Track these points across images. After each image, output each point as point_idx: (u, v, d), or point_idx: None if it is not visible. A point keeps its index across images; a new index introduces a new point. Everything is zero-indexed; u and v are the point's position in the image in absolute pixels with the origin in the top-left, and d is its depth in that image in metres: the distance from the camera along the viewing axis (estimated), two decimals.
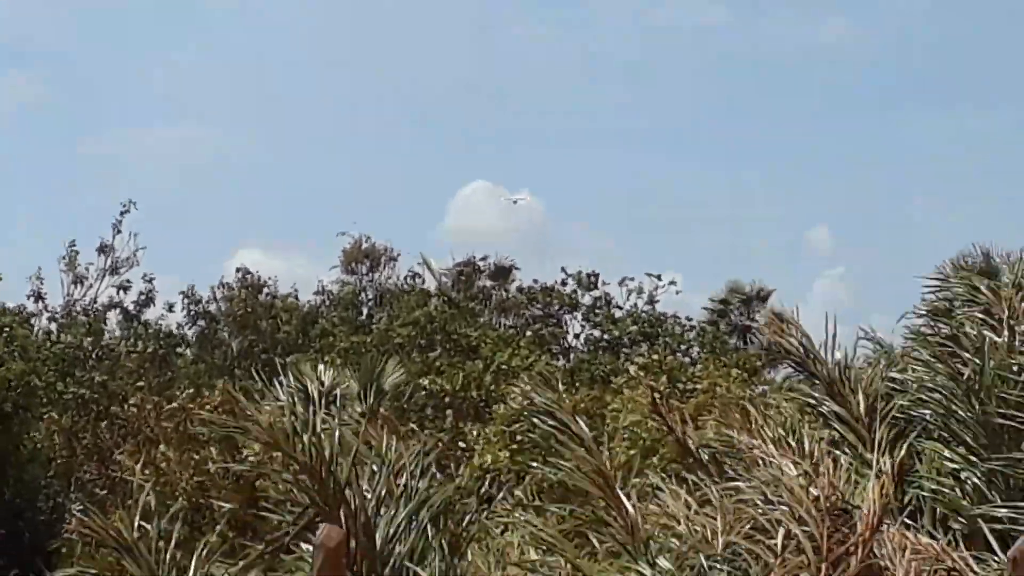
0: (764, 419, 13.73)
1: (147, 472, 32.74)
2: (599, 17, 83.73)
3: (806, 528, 10.83)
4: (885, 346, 15.34)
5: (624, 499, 12.34)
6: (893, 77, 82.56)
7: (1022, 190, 70.69)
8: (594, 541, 12.27)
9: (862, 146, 79.65)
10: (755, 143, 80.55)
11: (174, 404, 35.29)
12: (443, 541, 12.77)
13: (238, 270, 56.90)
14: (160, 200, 78.14)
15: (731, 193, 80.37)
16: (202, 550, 12.39)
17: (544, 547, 12.48)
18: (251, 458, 22.48)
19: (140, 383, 44.91)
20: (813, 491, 11.35)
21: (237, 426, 12.98)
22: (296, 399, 13.50)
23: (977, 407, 13.04)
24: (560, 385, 14.62)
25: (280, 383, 13.91)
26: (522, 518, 13.24)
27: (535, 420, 13.98)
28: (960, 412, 13.19)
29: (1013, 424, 12.88)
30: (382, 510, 12.45)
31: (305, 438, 12.31)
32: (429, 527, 12.67)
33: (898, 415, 13.63)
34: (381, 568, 12.08)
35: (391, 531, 12.35)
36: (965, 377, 13.29)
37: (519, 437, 28.28)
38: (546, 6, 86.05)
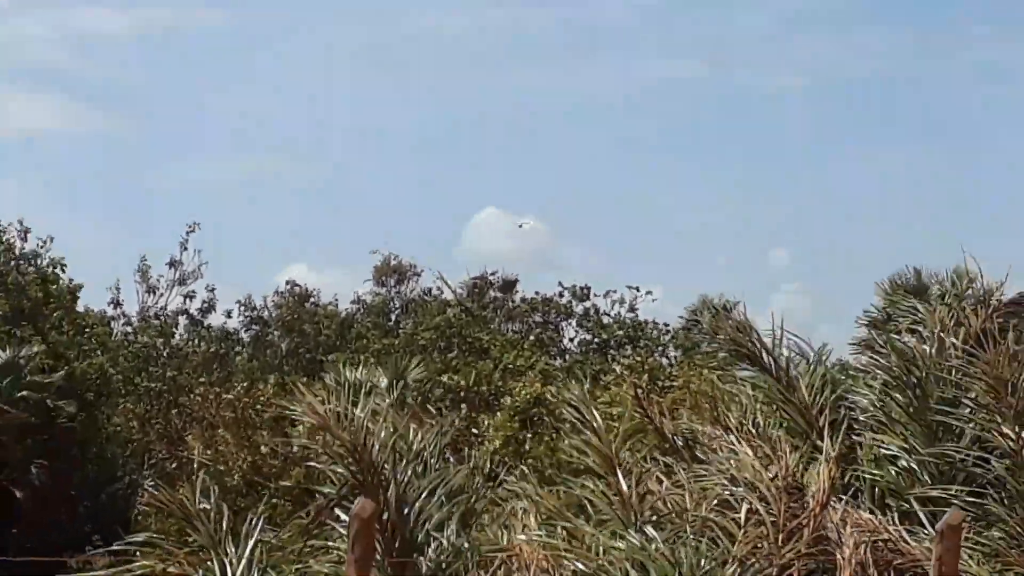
0: (728, 410, 13.75)
1: (209, 453, 32.73)
2: (590, 68, 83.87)
3: (766, 504, 10.83)
4: (827, 351, 15.32)
5: (620, 477, 12.36)
6: (837, 120, 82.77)
7: (948, 216, 70.86)
8: (590, 511, 12.29)
9: (816, 179, 79.86)
10: (724, 175, 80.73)
11: (231, 395, 35.29)
12: (459, 512, 12.77)
13: (288, 282, 57.26)
14: (221, 221, 78.22)
15: (702, 218, 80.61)
16: (255, 519, 12.38)
17: (548, 517, 12.49)
18: (297, 441, 22.52)
19: (203, 377, 44.97)
20: (770, 472, 11.36)
21: (294, 411, 13.02)
22: (338, 391, 13.49)
23: (913, 402, 13.06)
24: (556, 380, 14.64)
25: (324, 378, 13.93)
26: (528, 492, 13.24)
27: (556, 400, 14.06)
28: (897, 406, 13.21)
29: (942, 418, 12.89)
30: (410, 486, 12.47)
31: (351, 424, 12.33)
32: (447, 501, 12.67)
33: (840, 407, 13.65)
34: (409, 535, 12.09)
35: (418, 504, 12.36)
36: (901, 377, 13.31)
37: (531, 419, 28.30)
38: (544, 58, 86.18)
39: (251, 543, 12.00)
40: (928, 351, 13.49)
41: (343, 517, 12.18)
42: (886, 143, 79.49)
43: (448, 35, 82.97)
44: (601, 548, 11.40)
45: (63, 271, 46.30)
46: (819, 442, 12.29)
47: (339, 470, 12.74)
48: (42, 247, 47.36)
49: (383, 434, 12.70)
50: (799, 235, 77.99)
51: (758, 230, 78.96)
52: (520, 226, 64.82)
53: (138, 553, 13.01)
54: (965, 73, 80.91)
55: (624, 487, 12.25)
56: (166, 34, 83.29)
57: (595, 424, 13.33)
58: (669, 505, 11.95)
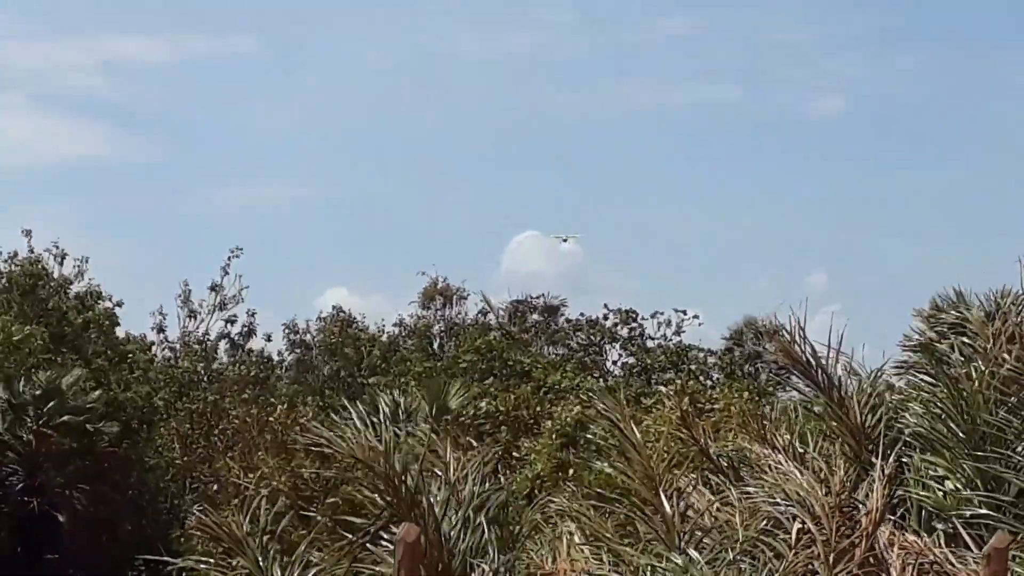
0: (775, 430, 13.69)
1: (250, 476, 32.79)
2: (628, 92, 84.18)
3: (819, 522, 10.79)
4: (878, 370, 15.16)
5: (663, 497, 12.33)
6: (877, 142, 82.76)
7: (988, 234, 70.80)
8: (640, 532, 12.26)
9: (853, 200, 79.84)
10: (761, 199, 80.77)
11: (272, 419, 35.36)
12: (501, 537, 12.74)
13: (333, 307, 57.50)
14: (261, 244, 78.72)
15: (743, 242, 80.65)
16: (302, 544, 12.42)
17: (592, 539, 12.46)
18: (337, 468, 22.54)
19: (245, 395, 45.21)
20: (823, 490, 11.31)
21: (331, 441, 12.97)
22: (375, 418, 13.44)
23: (962, 421, 12.97)
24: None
25: (361, 405, 13.86)
26: (576, 512, 13.20)
27: (596, 421, 13.98)
28: (946, 427, 13.12)
29: (993, 437, 12.82)
30: (448, 512, 12.44)
31: (387, 454, 12.31)
32: (488, 526, 12.64)
33: (888, 427, 13.56)
34: (449, 561, 12.07)
35: (456, 530, 12.34)
36: (950, 395, 13.22)
37: (573, 441, 28.27)
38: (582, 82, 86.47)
39: (299, 568, 12.04)
40: (979, 367, 13.38)
41: (385, 543, 12.18)
42: (925, 164, 79.40)
43: (486, 59, 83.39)
44: (648, 570, 11.37)
45: (100, 298, 46.74)
46: (873, 459, 12.22)
47: (379, 499, 12.73)
48: (78, 270, 47.82)
49: (422, 461, 12.68)
50: (837, 257, 77.95)
51: (798, 252, 78.98)
52: (564, 240, 64.72)
53: None
54: (1003, 93, 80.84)
55: (667, 508, 12.23)
56: (202, 61, 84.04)
57: (635, 441, 13.28)
58: (716, 526, 11.92)
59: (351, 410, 13.34)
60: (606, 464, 13.88)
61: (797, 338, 14.01)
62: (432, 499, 12.39)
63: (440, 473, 13.02)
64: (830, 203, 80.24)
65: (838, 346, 14.16)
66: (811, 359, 14.00)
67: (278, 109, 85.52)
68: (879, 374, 14.53)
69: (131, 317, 52.91)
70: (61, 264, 48.66)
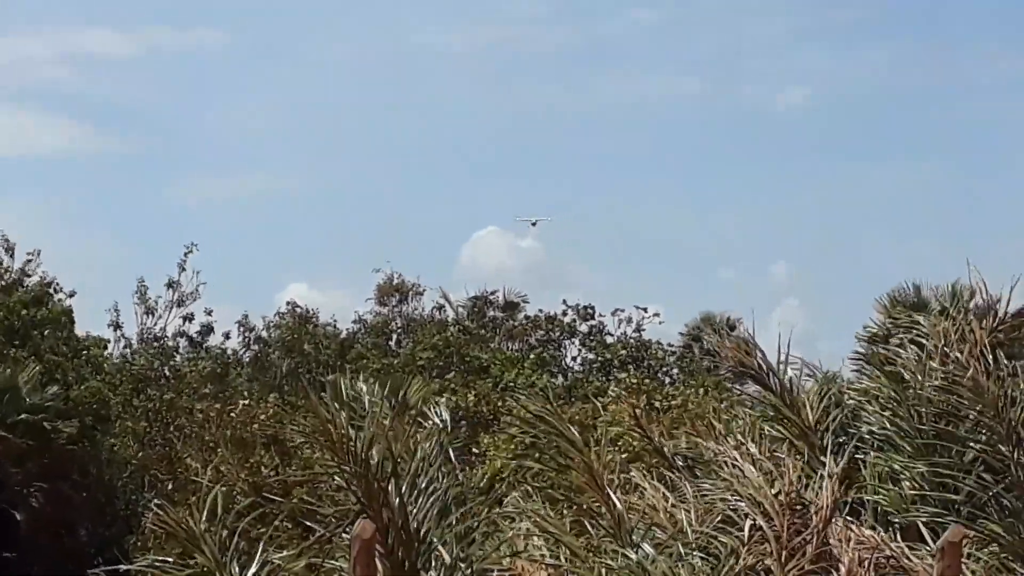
0: (728, 428, 13.82)
1: (209, 473, 32.74)
2: (592, 85, 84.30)
3: (770, 520, 10.92)
4: (829, 371, 15.28)
5: (612, 494, 12.42)
6: (843, 134, 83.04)
7: (953, 229, 71.26)
8: (591, 531, 12.35)
9: (817, 194, 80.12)
10: (725, 192, 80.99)
11: (232, 414, 35.32)
12: (462, 531, 12.81)
13: (288, 303, 57.32)
14: (221, 239, 78.55)
15: (704, 235, 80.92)
16: (260, 541, 12.44)
17: (546, 536, 12.55)
18: (299, 461, 22.61)
19: (205, 390, 45.05)
20: (774, 488, 11.44)
21: (302, 430, 13.01)
22: (342, 411, 13.46)
23: (914, 420, 13.12)
24: (557, 399, 14.64)
25: (327, 398, 13.90)
26: (530, 510, 13.29)
27: (534, 426, 14.06)
28: (900, 424, 13.27)
29: (943, 436, 12.97)
30: (412, 507, 12.50)
31: (358, 444, 12.35)
32: (451, 513, 12.71)
33: (843, 426, 13.70)
34: (415, 556, 12.14)
35: (421, 524, 12.41)
36: (903, 394, 13.37)
37: (528, 441, 28.36)
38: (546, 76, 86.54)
39: (256, 566, 12.07)
40: (929, 367, 13.51)
41: (347, 538, 12.24)
42: (888, 157, 79.82)
43: (449, 52, 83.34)
44: (602, 568, 11.48)
45: (55, 291, 46.37)
46: (823, 458, 12.38)
47: (343, 490, 12.76)
48: (30, 263, 47.42)
49: (389, 455, 12.72)
50: (799, 249, 78.30)
51: (759, 246, 79.31)
52: (533, 223, 64.70)
53: None
54: (970, 88, 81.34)
55: (618, 504, 12.32)
56: (168, 55, 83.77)
57: (573, 440, 13.35)
58: (668, 522, 12.02)
59: (323, 398, 13.34)
60: (548, 465, 13.95)
61: (749, 347, 14.19)
62: (402, 492, 12.44)
63: (404, 463, 13.06)
64: (796, 194, 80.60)
65: (788, 348, 14.32)
66: (762, 364, 14.16)
67: (242, 104, 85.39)
68: (834, 376, 14.68)
69: (90, 313, 52.64)
70: (12, 257, 48.24)
